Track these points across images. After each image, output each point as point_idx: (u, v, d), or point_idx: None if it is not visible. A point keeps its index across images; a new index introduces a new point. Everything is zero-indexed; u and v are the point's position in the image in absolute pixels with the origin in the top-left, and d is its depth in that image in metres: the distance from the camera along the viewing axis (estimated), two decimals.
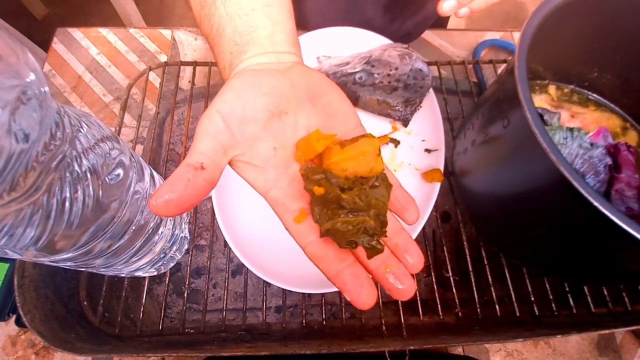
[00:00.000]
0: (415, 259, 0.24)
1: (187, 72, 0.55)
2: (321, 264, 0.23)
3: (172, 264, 0.38)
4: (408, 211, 0.25)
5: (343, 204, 0.22)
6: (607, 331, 0.42)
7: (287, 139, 0.24)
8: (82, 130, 0.22)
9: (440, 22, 0.64)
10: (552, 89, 0.42)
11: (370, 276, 0.23)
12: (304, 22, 0.54)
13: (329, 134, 0.25)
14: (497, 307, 0.37)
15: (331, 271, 0.22)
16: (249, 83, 0.24)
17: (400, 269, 0.23)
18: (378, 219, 0.22)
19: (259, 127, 0.23)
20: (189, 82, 0.48)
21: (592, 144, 0.36)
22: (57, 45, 0.58)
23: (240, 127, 0.23)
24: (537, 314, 0.36)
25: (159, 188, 0.20)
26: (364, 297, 0.22)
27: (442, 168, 0.41)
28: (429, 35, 0.60)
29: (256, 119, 0.23)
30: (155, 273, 0.37)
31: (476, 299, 0.37)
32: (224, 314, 0.37)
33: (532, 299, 0.37)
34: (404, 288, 0.22)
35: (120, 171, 0.25)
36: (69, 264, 0.26)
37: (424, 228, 0.37)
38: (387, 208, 0.23)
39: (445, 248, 0.39)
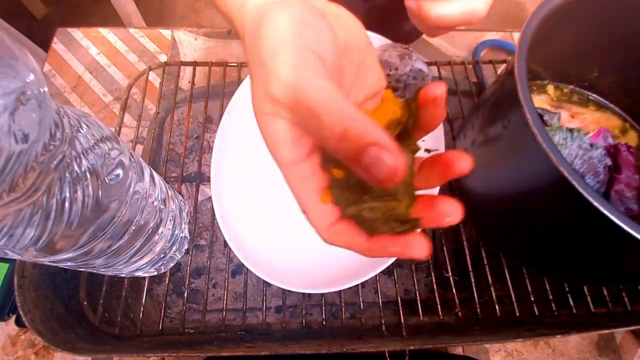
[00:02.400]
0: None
1: (187, 72, 0.55)
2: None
3: (172, 264, 0.38)
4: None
5: (368, 189, 0.18)
6: (607, 331, 0.42)
7: None
8: (81, 131, 0.22)
9: None
10: (550, 89, 0.41)
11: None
12: None
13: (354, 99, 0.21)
14: (497, 307, 0.37)
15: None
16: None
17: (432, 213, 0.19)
18: (407, 196, 0.19)
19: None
20: (189, 82, 0.48)
21: (591, 145, 0.36)
22: (57, 45, 0.58)
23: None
24: (537, 314, 0.36)
25: None
26: (417, 248, 0.19)
27: None
28: None
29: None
30: (155, 273, 0.37)
31: (476, 299, 0.37)
32: (224, 314, 0.37)
33: (532, 299, 0.37)
34: (452, 219, 0.19)
35: (119, 171, 0.25)
36: (69, 264, 0.26)
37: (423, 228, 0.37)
38: (414, 176, 0.19)
39: (445, 248, 0.39)
